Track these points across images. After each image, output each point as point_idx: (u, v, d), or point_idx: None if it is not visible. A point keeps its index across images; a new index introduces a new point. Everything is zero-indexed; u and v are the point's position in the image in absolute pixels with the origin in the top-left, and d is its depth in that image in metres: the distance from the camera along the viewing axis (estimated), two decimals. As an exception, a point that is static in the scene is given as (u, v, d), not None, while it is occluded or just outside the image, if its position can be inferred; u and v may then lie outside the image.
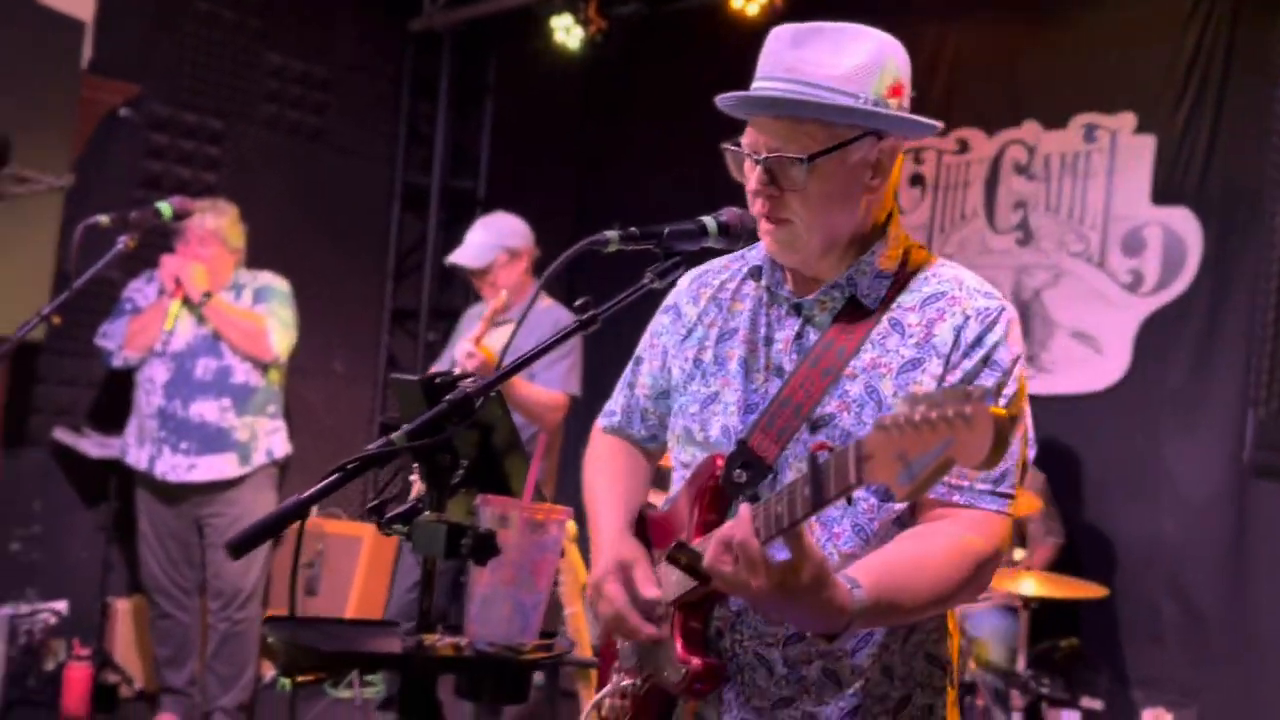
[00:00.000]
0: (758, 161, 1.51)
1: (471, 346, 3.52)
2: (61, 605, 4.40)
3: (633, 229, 1.53)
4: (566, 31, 5.17)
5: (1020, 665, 3.62)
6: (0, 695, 3.97)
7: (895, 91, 1.50)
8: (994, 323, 1.49)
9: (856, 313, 1.54)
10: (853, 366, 1.50)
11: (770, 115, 1.50)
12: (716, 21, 5.12)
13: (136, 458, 4.09)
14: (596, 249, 1.51)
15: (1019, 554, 3.66)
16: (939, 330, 1.49)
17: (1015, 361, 1.50)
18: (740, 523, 1.29)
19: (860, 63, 1.48)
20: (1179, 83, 4.34)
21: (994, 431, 1.03)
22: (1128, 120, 4.47)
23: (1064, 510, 4.30)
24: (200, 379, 4.03)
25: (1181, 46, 4.33)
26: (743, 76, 5.21)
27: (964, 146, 4.90)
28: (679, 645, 1.52)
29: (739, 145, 1.55)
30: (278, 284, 4.18)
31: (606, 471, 1.83)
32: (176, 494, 4.08)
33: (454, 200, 5.94)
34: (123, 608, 4.61)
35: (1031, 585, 3.56)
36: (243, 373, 4.07)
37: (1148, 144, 4.41)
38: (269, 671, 4.97)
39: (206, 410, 4.03)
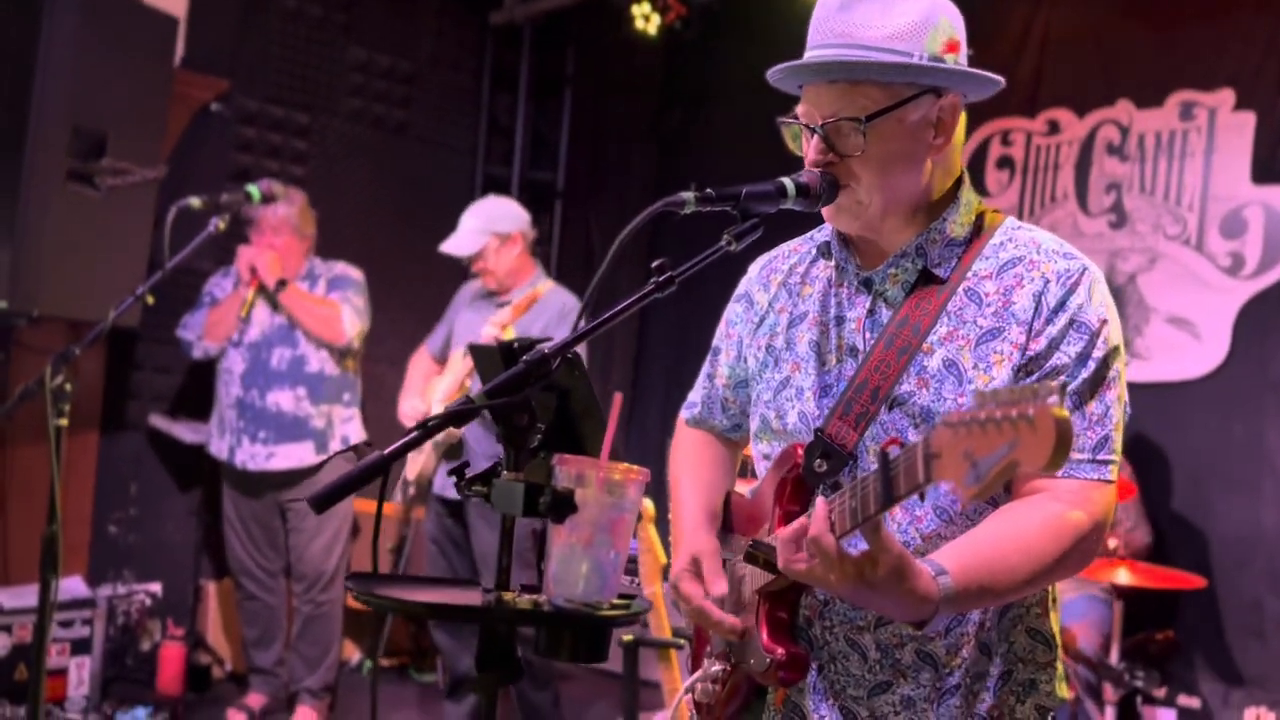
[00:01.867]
0: (814, 130, 1.49)
1: (498, 332, 3.55)
2: (156, 587, 4.53)
3: (709, 190, 1.50)
4: (645, 19, 5.16)
5: (1113, 657, 3.51)
6: (99, 673, 4.11)
7: (951, 48, 1.48)
8: (1076, 284, 1.45)
9: (930, 284, 1.50)
10: (929, 341, 1.47)
11: (824, 81, 1.48)
12: (797, 5, 5.06)
13: (218, 448, 4.20)
14: (672, 210, 1.48)
15: (1111, 542, 3.54)
16: (1018, 297, 1.45)
17: (1103, 323, 1.44)
18: (816, 519, 1.27)
19: (912, 20, 1.45)
20: (1280, 56, 4.17)
21: (1056, 434, 1.01)
22: (1226, 97, 4.30)
23: (1158, 501, 4.16)
24: (276, 369, 4.11)
25: (1283, 17, 4.16)
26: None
27: (1054, 127, 4.77)
28: (764, 634, 1.50)
29: (794, 118, 1.54)
30: (352, 273, 4.27)
31: (688, 462, 1.83)
32: (257, 482, 4.17)
33: (534, 191, 5.98)
34: (214, 590, 4.74)
35: (1125, 574, 3.45)
36: (317, 361, 4.15)
37: (1248, 121, 4.24)
38: (354, 655, 5.07)
39: (283, 399, 4.11)
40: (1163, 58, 4.47)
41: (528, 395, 1.35)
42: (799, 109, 1.54)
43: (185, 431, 4.57)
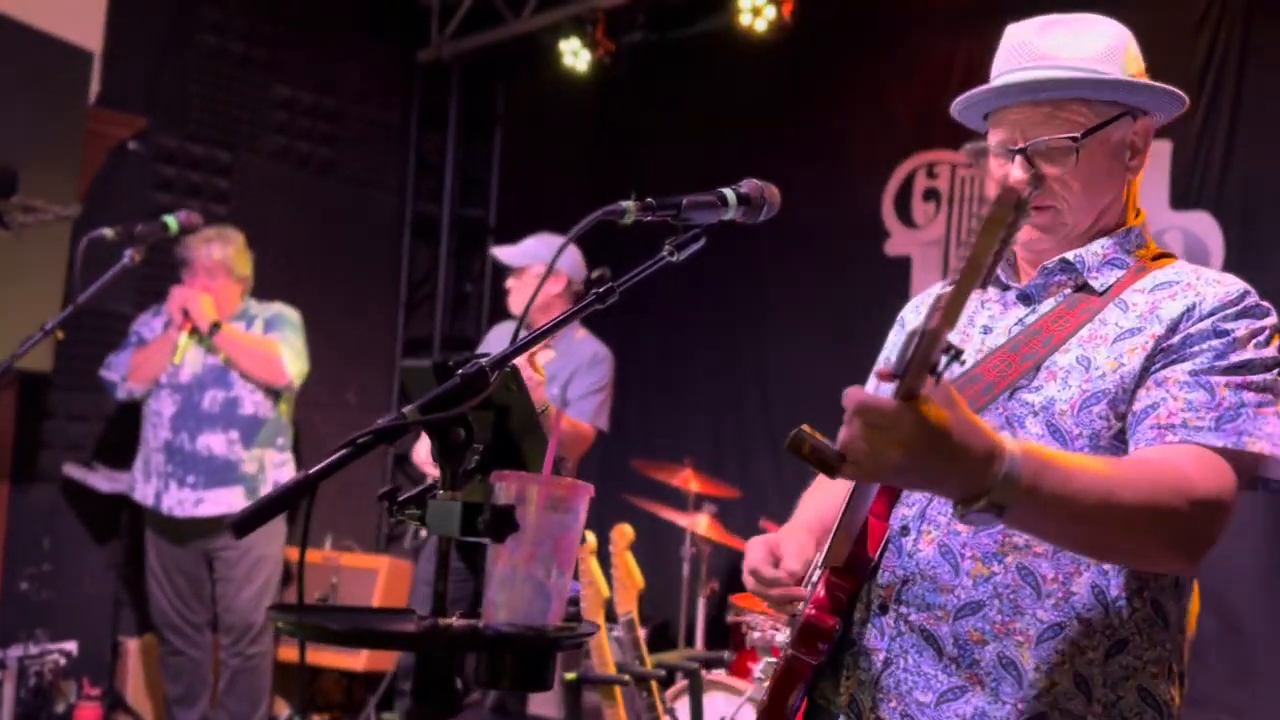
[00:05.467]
0: (1016, 151, 1.48)
1: (525, 362, 3.50)
2: (71, 645, 4.32)
3: (649, 199, 1.48)
4: (575, 55, 5.16)
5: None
6: (10, 738, 3.89)
7: (1141, 74, 1.53)
8: (1233, 301, 1.40)
9: (1084, 302, 1.48)
10: (1067, 344, 1.44)
11: (1028, 103, 1.48)
12: (725, 47, 5.11)
13: (144, 493, 4.04)
14: (612, 219, 1.46)
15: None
16: (1167, 307, 1.42)
17: (1253, 334, 1.38)
18: (855, 390, 1.11)
19: (1109, 44, 1.49)
20: (1194, 86, 4.28)
21: (1000, 188, 1.00)
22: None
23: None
24: (208, 411, 3.99)
25: (1195, 50, 4.28)
26: (755, 99, 5.32)
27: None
28: (813, 601, 1.47)
29: (983, 145, 1.54)
30: (289, 313, 4.18)
31: (815, 487, 1.77)
32: (184, 529, 4.01)
33: (465, 230, 5.92)
34: (134, 647, 4.53)
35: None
36: (251, 404, 4.03)
37: (1164, 149, 4.35)
38: (283, 711, 4.87)
39: (214, 443, 3.98)
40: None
41: (463, 410, 1.29)
42: (992, 136, 1.54)
43: (102, 481, 4.38)
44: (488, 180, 5.97)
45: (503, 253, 3.94)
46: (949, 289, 1.02)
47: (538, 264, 3.84)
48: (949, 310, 1.02)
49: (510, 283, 3.92)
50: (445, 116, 5.81)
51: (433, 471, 3.95)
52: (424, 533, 3.87)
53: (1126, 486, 1.22)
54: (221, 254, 4.01)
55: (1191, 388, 1.34)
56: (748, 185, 1.54)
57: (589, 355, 3.80)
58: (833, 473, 1.12)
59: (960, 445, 1.09)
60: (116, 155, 4.51)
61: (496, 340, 4.03)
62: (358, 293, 5.53)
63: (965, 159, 4.83)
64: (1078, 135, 1.45)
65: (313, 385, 4.71)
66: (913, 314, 1.77)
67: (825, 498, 1.72)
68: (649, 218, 1.47)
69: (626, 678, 2.61)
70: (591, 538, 2.71)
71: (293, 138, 5.22)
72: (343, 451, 1.22)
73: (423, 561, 3.96)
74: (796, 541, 1.55)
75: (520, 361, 3.96)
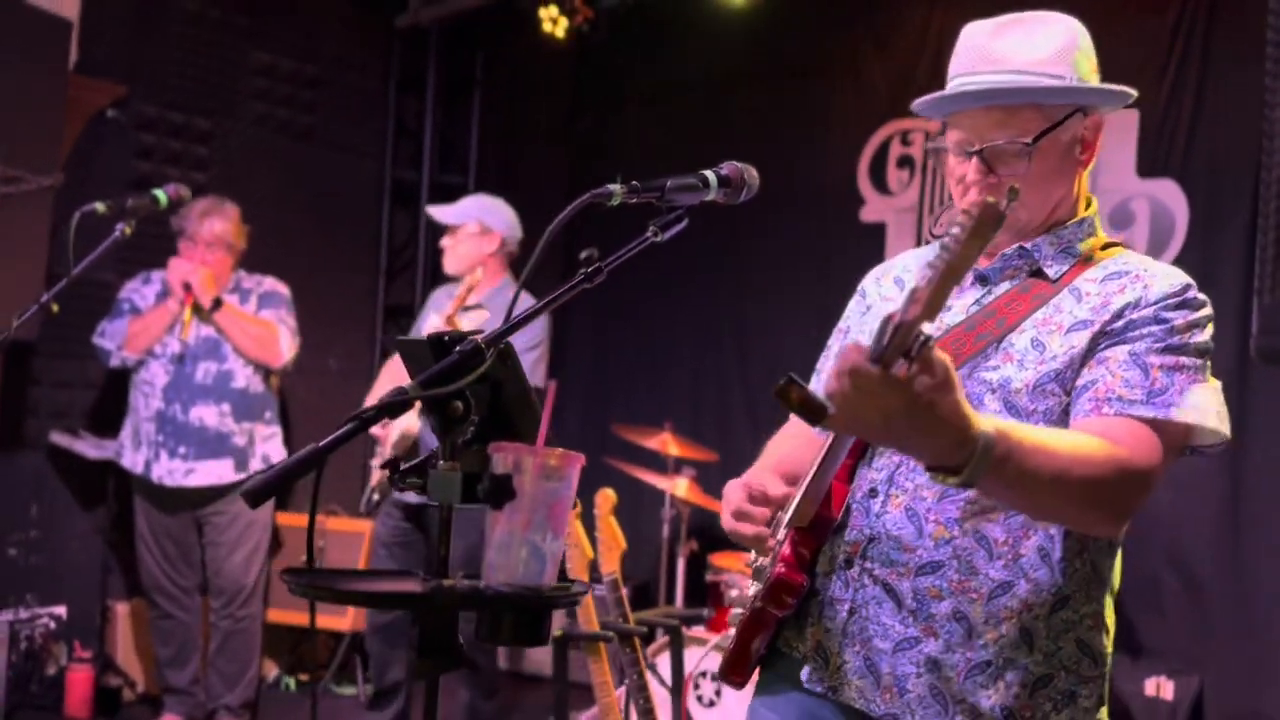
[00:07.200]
0: (972, 154, 1.55)
1: (442, 324, 3.55)
2: (61, 610, 4.38)
3: (634, 182, 1.54)
4: (553, 21, 5.18)
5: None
6: (2, 700, 3.95)
7: (1094, 70, 1.59)
8: (1175, 294, 1.50)
9: (1037, 287, 1.56)
10: (1022, 326, 1.53)
11: (982, 107, 1.54)
12: (702, 13, 5.14)
13: (133, 461, 4.09)
14: (599, 202, 1.52)
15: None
16: (1116, 301, 1.51)
17: (1190, 325, 1.48)
18: (852, 350, 1.16)
19: (1061, 45, 1.55)
20: (1162, 55, 4.36)
21: (980, 210, 1.07)
22: (1113, 95, 4.48)
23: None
24: (201, 383, 4.04)
25: (1164, 19, 4.35)
26: (733, 66, 5.39)
27: (951, 126, 4.92)
28: (781, 559, 1.56)
29: (941, 143, 1.61)
30: (281, 289, 4.23)
31: (780, 438, 1.86)
32: (173, 498, 4.07)
33: (444, 195, 5.93)
34: (123, 611, 4.60)
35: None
36: (244, 378, 4.09)
37: (1132, 117, 4.43)
38: (272, 671, 4.97)
39: (206, 415, 4.03)
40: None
41: (463, 385, 1.36)
42: (949, 135, 1.60)
43: (88, 448, 4.43)
44: (467, 146, 5.99)
45: (437, 211, 3.98)
46: (925, 284, 1.10)
47: (471, 223, 3.87)
48: (930, 304, 1.10)
49: (445, 242, 3.93)
50: (424, 82, 5.82)
51: (380, 433, 3.96)
52: (376, 496, 3.94)
53: (1075, 463, 1.35)
54: (222, 229, 4.06)
55: (1129, 366, 1.46)
56: (728, 168, 1.60)
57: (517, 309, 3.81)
58: (817, 420, 1.18)
59: (937, 426, 1.20)
60: (96, 123, 4.51)
61: (435, 305, 4.03)
62: (338, 259, 5.56)
63: (940, 127, 4.91)
64: (1029, 141, 1.52)
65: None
66: (873, 284, 1.81)
67: (791, 446, 1.82)
68: (634, 200, 1.53)
69: (611, 634, 2.71)
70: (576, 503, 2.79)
71: (272, 104, 5.23)
72: (349, 426, 1.28)
73: (378, 525, 4.01)
74: (770, 478, 1.67)
75: (439, 320, 3.99)
